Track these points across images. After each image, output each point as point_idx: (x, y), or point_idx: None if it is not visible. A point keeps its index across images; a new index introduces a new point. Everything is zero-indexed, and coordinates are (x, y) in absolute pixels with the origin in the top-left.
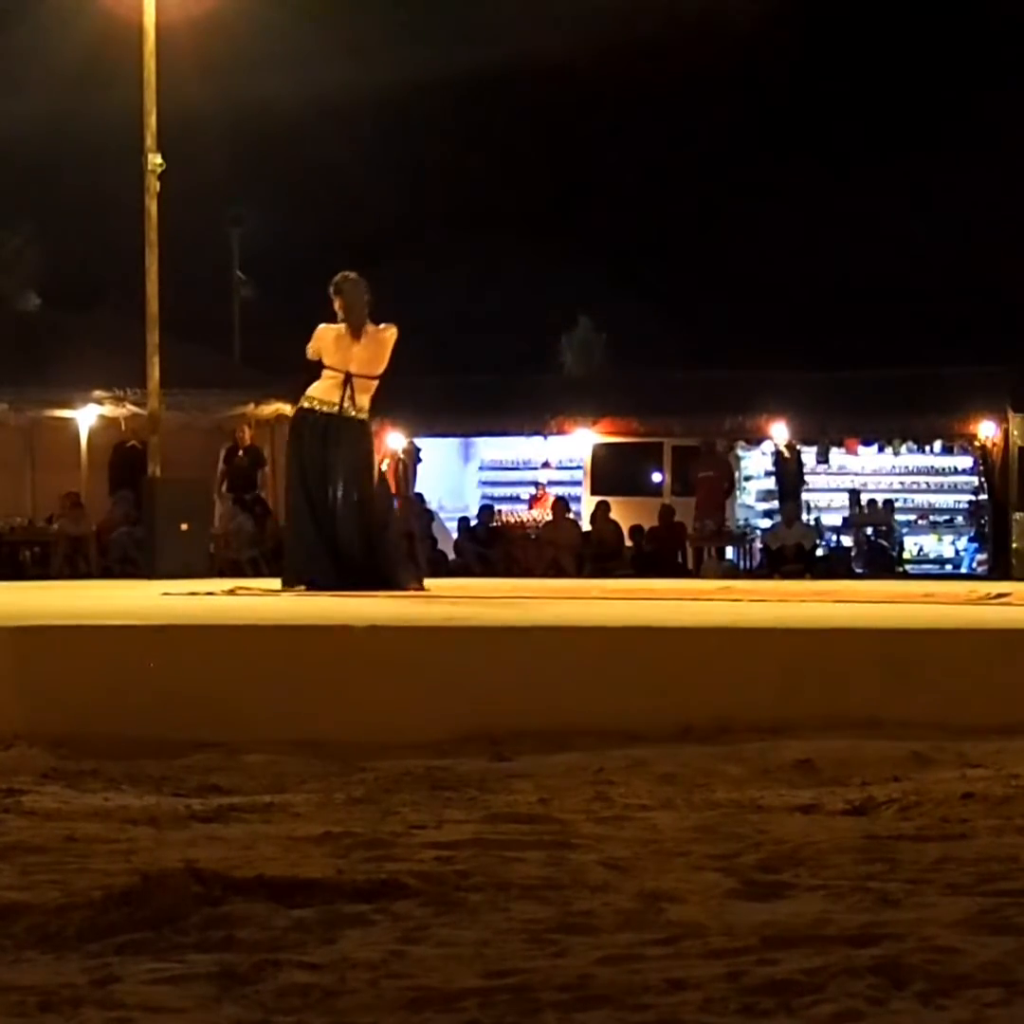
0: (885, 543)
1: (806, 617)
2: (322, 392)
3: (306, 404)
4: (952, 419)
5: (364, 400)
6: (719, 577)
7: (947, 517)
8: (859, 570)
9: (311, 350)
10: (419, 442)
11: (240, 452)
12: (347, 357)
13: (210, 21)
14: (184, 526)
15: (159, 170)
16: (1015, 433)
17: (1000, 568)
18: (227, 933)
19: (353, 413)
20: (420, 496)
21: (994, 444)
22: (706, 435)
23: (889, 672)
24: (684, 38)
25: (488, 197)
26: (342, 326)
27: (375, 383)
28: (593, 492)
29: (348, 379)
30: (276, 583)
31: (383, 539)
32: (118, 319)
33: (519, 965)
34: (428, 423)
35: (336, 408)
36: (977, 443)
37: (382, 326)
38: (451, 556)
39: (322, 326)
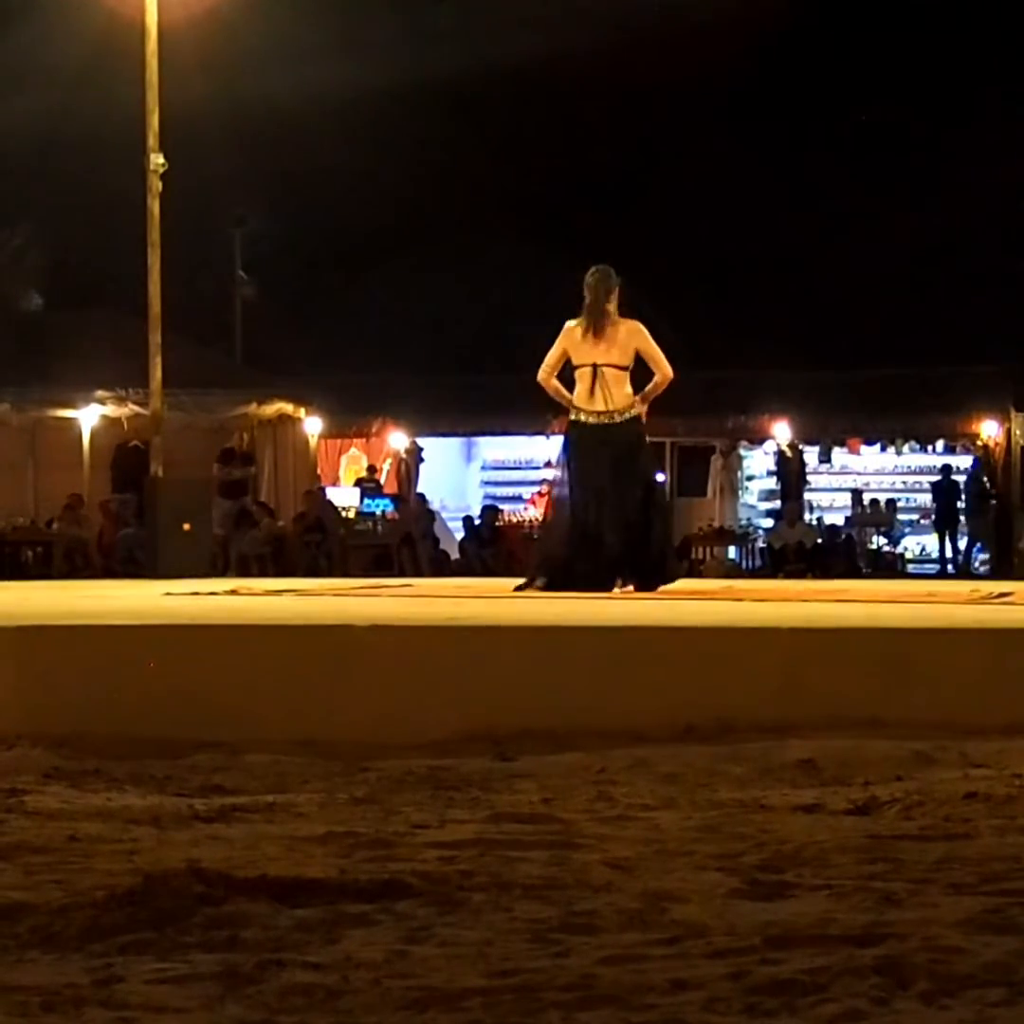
0: (887, 542)
1: (808, 617)
2: (582, 399)
3: (573, 416)
4: (954, 418)
5: (620, 395)
6: (721, 576)
7: None
8: (863, 569)
9: (556, 356)
10: (421, 442)
11: (234, 460)
12: (588, 350)
13: (212, 21)
14: (186, 526)
15: (161, 170)
16: (1017, 432)
17: (1003, 568)
18: (230, 933)
19: (616, 415)
20: (422, 496)
21: (996, 443)
22: (709, 435)
23: (891, 672)
24: (685, 38)
25: (489, 197)
26: (583, 321)
27: (623, 374)
28: None
29: (595, 371)
30: (277, 584)
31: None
32: (120, 319)
33: (522, 965)
34: (430, 423)
35: (602, 416)
36: (979, 442)
37: (623, 321)
38: (454, 556)
39: (567, 324)
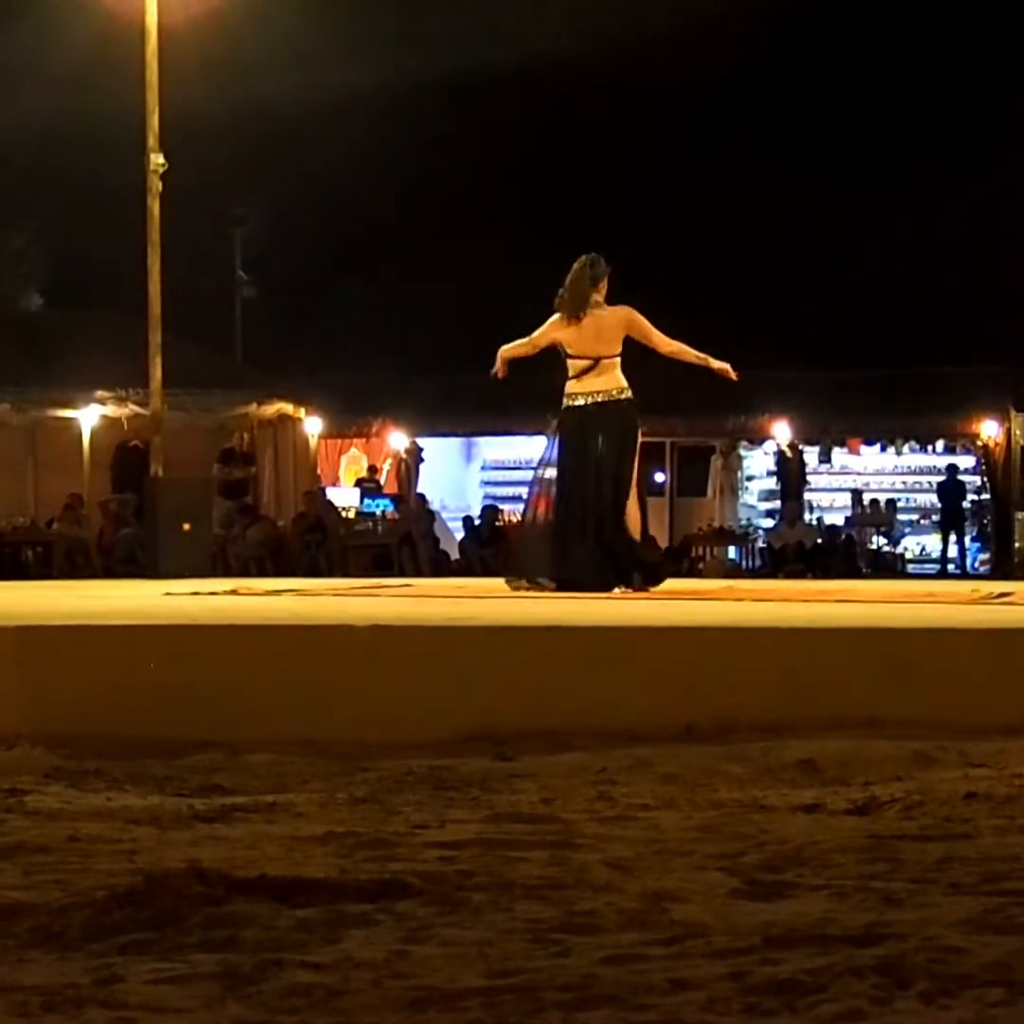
0: (887, 542)
1: (808, 617)
2: (574, 384)
3: (566, 403)
4: (954, 418)
5: (611, 378)
6: (721, 576)
7: None
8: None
9: (541, 334)
10: (421, 442)
11: (235, 460)
12: (576, 339)
13: (212, 21)
14: (186, 526)
15: (161, 170)
16: (1017, 432)
17: (1002, 568)
18: (230, 933)
19: (603, 394)
20: (422, 496)
21: (996, 443)
22: (709, 435)
23: (891, 672)
24: (686, 39)
25: (489, 197)
26: (564, 311)
27: (613, 361)
28: None
29: (586, 362)
30: (277, 583)
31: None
32: (120, 319)
33: (522, 965)
34: (430, 423)
35: (589, 398)
36: (979, 443)
37: (610, 308)
38: (454, 556)
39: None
